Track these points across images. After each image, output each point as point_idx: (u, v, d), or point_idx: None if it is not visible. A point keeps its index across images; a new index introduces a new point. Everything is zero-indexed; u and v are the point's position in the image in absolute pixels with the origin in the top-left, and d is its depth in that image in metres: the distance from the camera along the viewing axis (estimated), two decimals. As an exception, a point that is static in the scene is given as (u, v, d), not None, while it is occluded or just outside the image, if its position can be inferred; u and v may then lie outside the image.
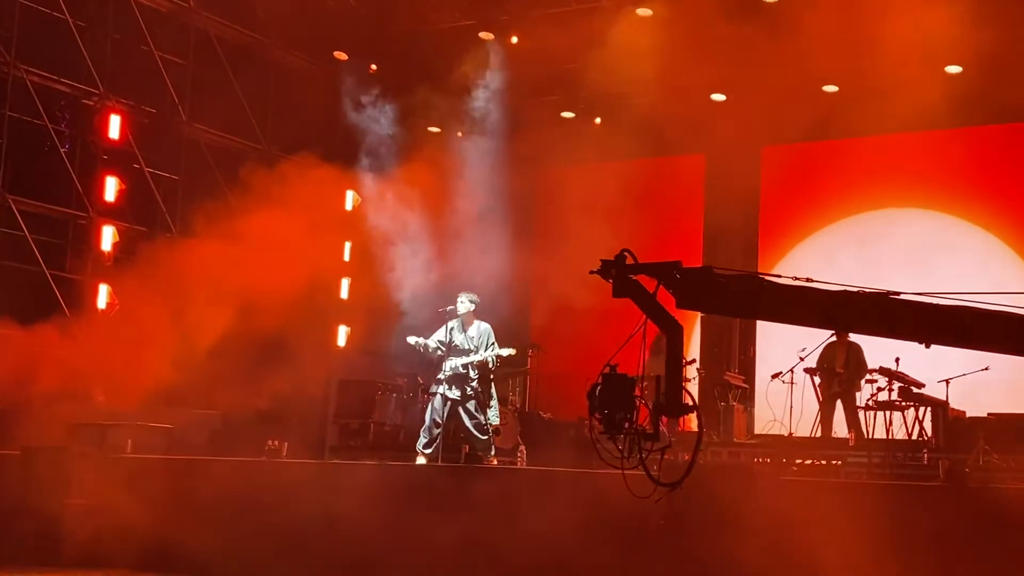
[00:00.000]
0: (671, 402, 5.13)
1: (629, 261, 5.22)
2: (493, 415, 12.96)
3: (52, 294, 15.24)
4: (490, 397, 12.90)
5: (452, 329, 12.70)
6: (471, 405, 12.62)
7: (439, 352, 12.66)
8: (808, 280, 5.23)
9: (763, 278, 5.17)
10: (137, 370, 13.07)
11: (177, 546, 10.74)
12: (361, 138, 16.50)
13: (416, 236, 15.32)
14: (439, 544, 9.87)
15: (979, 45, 13.86)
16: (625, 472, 5.22)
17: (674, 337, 5.13)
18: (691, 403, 5.25)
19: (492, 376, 12.92)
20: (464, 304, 12.71)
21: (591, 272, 5.19)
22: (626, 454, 5.11)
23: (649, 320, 5.16)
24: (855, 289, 5.16)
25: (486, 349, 12.61)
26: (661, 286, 5.29)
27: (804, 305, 5.18)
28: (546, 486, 10.35)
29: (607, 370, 5.24)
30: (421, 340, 12.71)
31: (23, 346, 13.19)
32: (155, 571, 10.74)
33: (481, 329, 12.75)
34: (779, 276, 5.23)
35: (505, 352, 12.67)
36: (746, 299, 5.20)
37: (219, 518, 10.79)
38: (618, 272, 5.14)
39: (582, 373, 17.05)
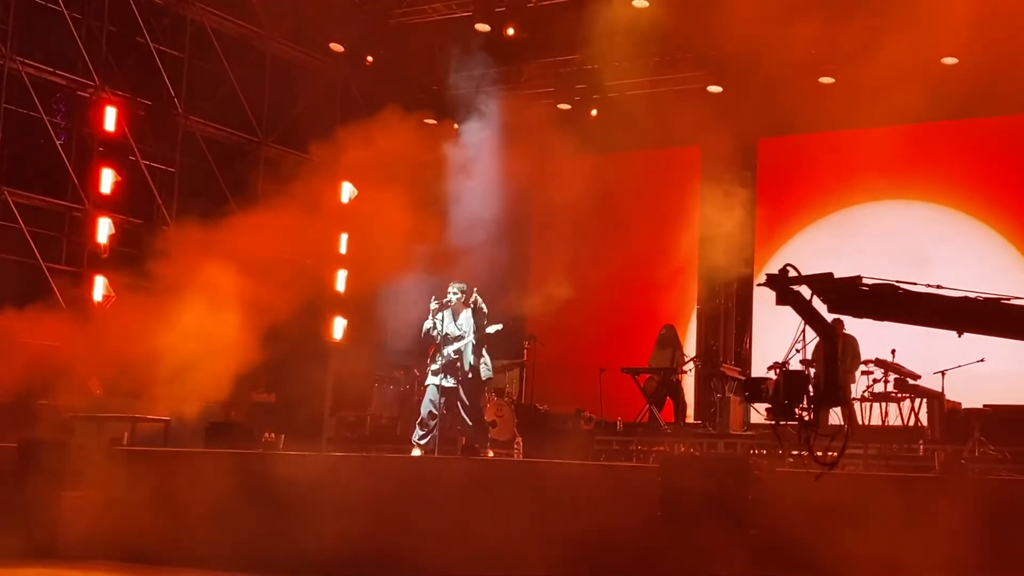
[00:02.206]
0: (828, 395, 5.97)
1: (792, 275, 6.00)
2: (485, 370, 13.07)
3: (48, 287, 15.25)
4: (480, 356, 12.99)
5: (443, 320, 12.78)
6: (466, 395, 12.70)
7: (436, 338, 12.77)
8: (938, 287, 5.91)
9: (899, 287, 5.88)
10: (134, 362, 13.06)
11: (174, 539, 10.75)
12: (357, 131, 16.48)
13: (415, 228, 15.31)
14: (436, 538, 9.88)
15: (976, 36, 13.85)
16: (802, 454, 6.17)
17: (830, 340, 6.00)
18: (843, 396, 6.18)
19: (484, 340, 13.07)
20: (455, 294, 12.81)
21: (757, 284, 6.09)
22: (803, 441, 6.08)
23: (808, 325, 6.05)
24: (972, 295, 5.90)
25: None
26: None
27: (933, 309, 5.93)
28: (543, 478, 10.36)
29: (783, 367, 6.10)
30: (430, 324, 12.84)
31: (19, 339, 13.19)
32: (152, 564, 10.75)
33: (471, 315, 12.88)
34: (914, 284, 5.87)
35: (492, 329, 12.78)
36: (886, 305, 5.96)
37: (216, 511, 10.79)
38: (781, 284, 5.93)
39: (579, 365, 17.18)
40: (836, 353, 6.04)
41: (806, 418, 5.99)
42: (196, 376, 13.04)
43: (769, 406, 6.04)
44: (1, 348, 12.75)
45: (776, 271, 5.92)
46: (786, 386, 5.98)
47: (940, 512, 8.58)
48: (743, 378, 16.15)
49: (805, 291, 5.93)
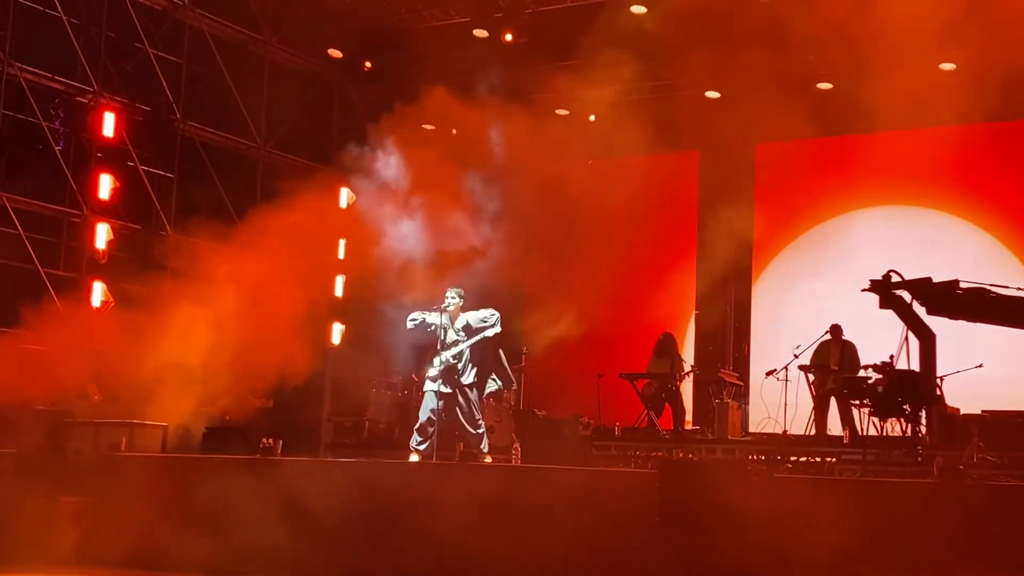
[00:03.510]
0: (927, 394, 6.70)
1: (895, 279, 6.37)
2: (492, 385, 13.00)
3: (46, 292, 15.24)
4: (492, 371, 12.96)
5: (439, 324, 12.78)
6: (464, 400, 12.70)
7: (432, 330, 12.78)
8: None
9: (991, 290, 6.28)
10: (131, 368, 13.06)
11: (172, 545, 10.74)
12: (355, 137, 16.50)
13: (413, 233, 15.31)
14: (435, 541, 9.87)
15: (974, 41, 13.87)
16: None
17: (928, 341, 6.43)
18: (939, 394, 6.59)
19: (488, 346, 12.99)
20: (453, 299, 12.82)
21: (863, 290, 6.35)
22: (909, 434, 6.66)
23: (908, 328, 6.50)
24: None
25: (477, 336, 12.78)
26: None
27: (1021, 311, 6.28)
28: (541, 483, 10.35)
29: (889, 367, 6.53)
30: (418, 316, 12.82)
31: (17, 344, 13.17)
32: (150, 570, 10.74)
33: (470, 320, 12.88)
34: (1006, 287, 6.01)
35: (492, 332, 12.78)
36: (980, 307, 6.38)
37: (214, 517, 10.78)
38: (884, 289, 6.25)
39: (577, 371, 17.17)
40: (934, 356, 6.37)
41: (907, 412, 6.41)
42: (194, 381, 13.04)
43: (871, 403, 6.36)
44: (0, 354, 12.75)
45: (880, 277, 6.10)
46: (897, 385, 6.38)
47: (939, 518, 8.59)
48: (741, 384, 16.17)
49: (906, 295, 6.09)
